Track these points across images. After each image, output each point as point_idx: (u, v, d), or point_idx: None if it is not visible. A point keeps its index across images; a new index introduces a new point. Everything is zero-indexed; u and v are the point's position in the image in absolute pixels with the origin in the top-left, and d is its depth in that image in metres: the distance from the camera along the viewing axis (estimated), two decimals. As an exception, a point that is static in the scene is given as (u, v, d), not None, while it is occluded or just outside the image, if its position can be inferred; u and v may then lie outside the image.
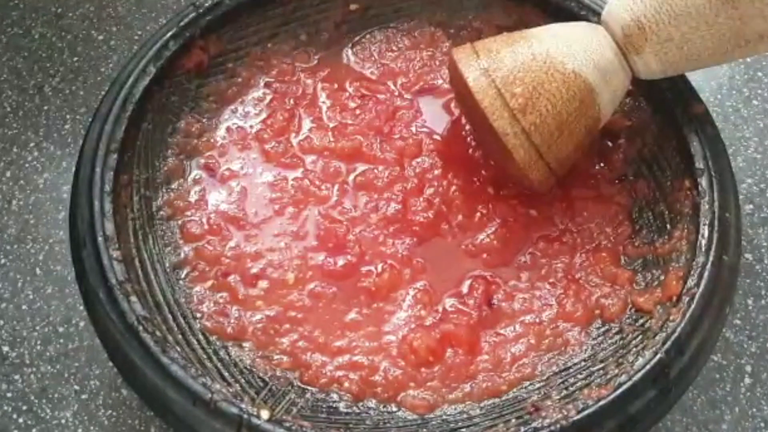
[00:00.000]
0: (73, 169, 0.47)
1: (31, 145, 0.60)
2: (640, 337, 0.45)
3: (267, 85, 0.56)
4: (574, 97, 0.47)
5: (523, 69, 0.47)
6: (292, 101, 0.55)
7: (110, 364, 0.44)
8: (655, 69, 0.47)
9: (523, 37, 0.48)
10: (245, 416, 0.40)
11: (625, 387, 0.40)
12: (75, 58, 0.64)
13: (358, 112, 0.55)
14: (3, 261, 0.55)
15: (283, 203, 0.51)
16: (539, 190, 0.50)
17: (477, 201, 0.51)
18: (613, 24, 0.47)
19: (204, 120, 0.54)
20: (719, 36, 0.45)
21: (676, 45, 0.46)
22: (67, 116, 0.61)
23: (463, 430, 0.43)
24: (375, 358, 0.46)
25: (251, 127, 0.54)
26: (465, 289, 0.49)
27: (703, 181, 0.46)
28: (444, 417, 0.45)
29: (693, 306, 0.43)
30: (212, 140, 0.53)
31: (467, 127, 0.54)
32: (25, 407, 0.50)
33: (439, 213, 0.51)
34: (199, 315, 0.47)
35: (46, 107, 0.62)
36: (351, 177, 0.52)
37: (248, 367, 0.46)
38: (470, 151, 0.53)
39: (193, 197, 0.51)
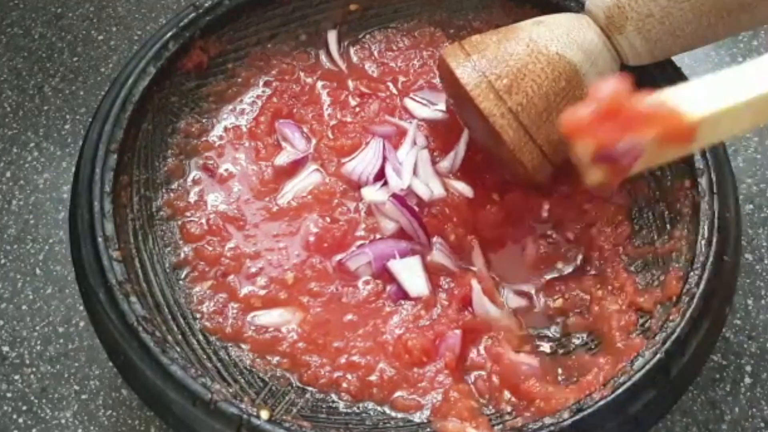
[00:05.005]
0: (73, 169, 0.48)
1: (31, 145, 0.60)
2: (641, 337, 0.45)
3: (267, 84, 0.56)
4: (559, 77, 0.47)
5: (507, 53, 0.48)
6: (292, 99, 0.55)
7: (110, 364, 0.44)
8: (641, 49, 0.48)
9: (508, 30, 0.49)
10: (245, 416, 0.40)
11: (625, 387, 0.41)
12: (75, 58, 0.64)
13: (357, 110, 0.55)
14: (3, 261, 0.55)
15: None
16: (536, 178, 0.49)
17: (478, 200, 0.51)
18: (596, 10, 0.48)
19: (203, 120, 0.54)
20: (699, 7, 0.45)
21: (658, 20, 0.46)
22: (67, 116, 0.61)
23: (463, 430, 0.43)
24: (372, 358, 0.46)
25: (250, 126, 0.54)
26: (464, 288, 0.49)
27: (703, 181, 0.46)
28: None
29: (693, 306, 0.43)
30: (211, 140, 0.53)
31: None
32: (25, 407, 0.50)
33: (440, 213, 0.51)
34: (198, 315, 0.47)
35: (46, 107, 0.62)
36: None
37: (248, 367, 0.46)
38: (470, 152, 0.53)
39: (192, 198, 0.51)
